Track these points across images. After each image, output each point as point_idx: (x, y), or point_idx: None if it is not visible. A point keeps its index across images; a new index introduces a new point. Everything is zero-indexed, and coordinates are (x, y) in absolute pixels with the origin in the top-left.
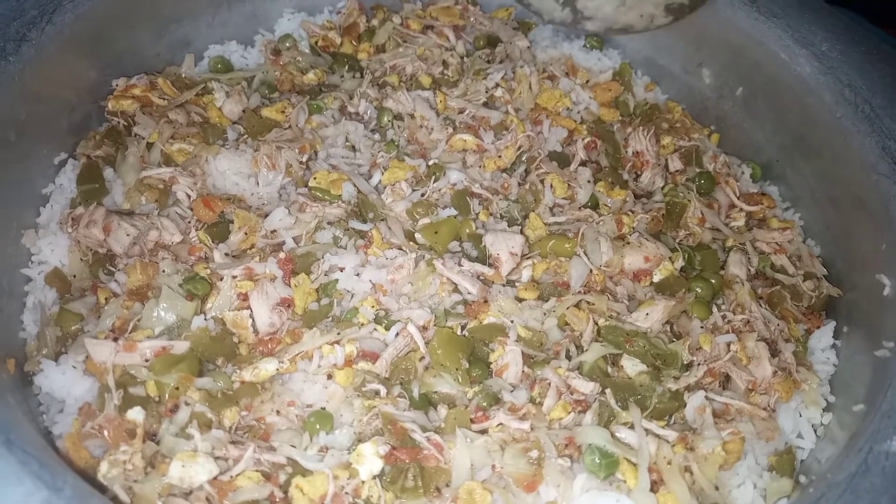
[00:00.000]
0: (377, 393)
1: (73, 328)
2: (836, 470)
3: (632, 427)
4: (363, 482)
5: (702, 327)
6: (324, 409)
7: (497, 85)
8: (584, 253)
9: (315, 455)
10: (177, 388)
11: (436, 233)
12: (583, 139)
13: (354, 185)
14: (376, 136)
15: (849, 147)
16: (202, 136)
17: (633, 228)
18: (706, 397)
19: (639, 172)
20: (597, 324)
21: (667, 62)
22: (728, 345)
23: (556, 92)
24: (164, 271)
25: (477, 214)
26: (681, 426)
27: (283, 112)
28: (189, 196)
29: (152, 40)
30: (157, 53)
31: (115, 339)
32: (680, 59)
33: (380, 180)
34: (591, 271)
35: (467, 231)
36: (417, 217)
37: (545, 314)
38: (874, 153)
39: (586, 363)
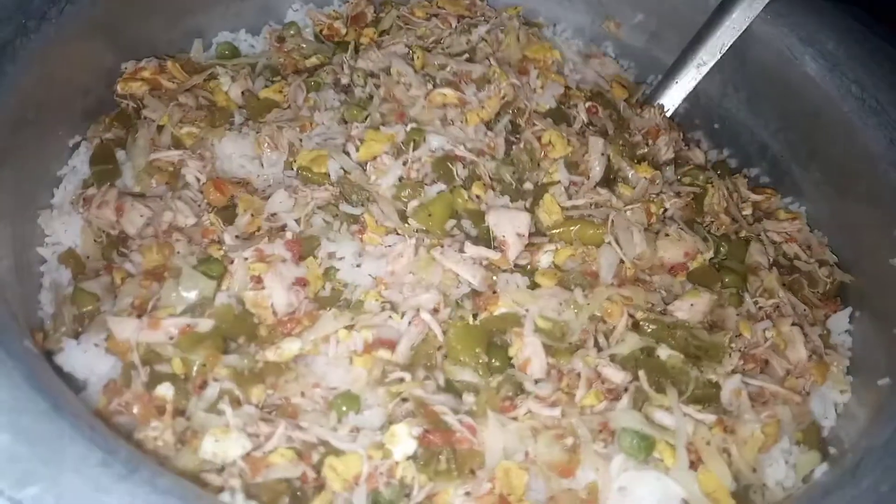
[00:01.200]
0: (402, 380)
1: (89, 308)
2: (870, 437)
3: (668, 409)
4: (397, 463)
5: (737, 314)
6: (349, 391)
7: (482, 38)
8: (617, 242)
9: (347, 435)
10: (204, 365)
11: (429, 215)
12: (583, 102)
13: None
14: (342, 96)
15: (856, 141)
16: (209, 119)
17: (664, 216)
18: (742, 381)
19: (651, 141)
20: (632, 316)
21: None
22: (764, 331)
23: (545, 44)
24: (178, 252)
25: (465, 181)
26: (716, 409)
27: (281, 92)
28: (198, 179)
29: (166, 28)
30: (171, 41)
31: (139, 317)
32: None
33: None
34: (621, 262)
35: (461, 202)
36: (406, 200)
37: (572, 307)
38: (882, 145)
39: (619, 355)
